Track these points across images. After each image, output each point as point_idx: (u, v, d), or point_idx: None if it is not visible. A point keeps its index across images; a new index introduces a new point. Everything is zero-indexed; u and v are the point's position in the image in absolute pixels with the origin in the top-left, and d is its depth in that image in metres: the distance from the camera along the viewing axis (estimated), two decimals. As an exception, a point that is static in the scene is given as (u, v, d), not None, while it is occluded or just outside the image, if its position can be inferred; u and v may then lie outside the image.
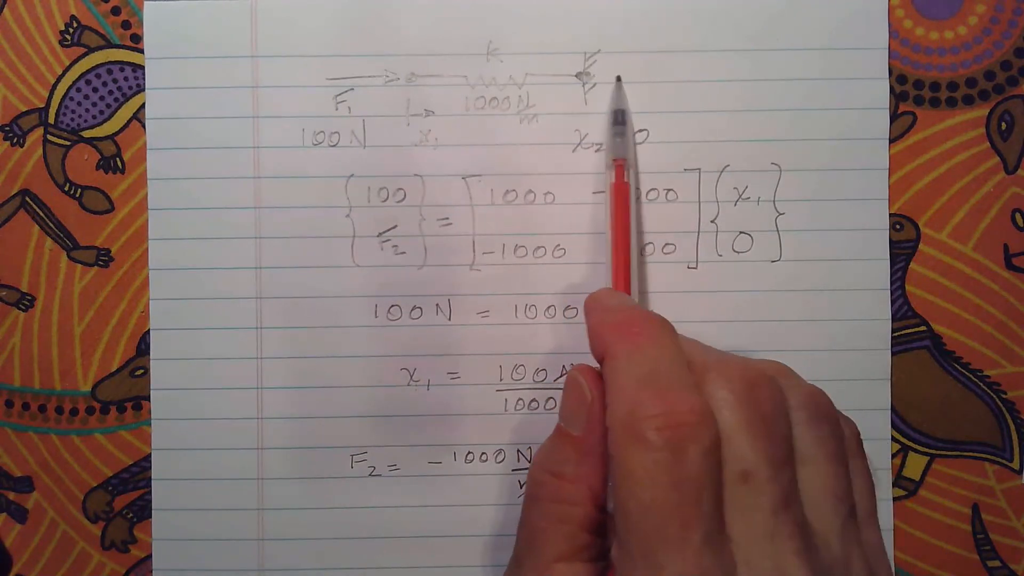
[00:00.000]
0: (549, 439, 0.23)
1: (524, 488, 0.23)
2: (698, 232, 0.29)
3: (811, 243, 0.29)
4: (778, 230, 0.29)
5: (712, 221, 0.29)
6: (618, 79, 0.29)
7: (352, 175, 0.29)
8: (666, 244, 0.29)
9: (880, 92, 0.29)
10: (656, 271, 0.29)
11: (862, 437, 0.23)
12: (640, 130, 0.29)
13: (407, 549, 0.29)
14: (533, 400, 0.29)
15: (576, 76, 0.29)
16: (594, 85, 0.29)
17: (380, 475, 0.29)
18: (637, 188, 0.29)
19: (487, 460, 0.29)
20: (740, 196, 0.29)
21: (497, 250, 0.29)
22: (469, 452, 0.29)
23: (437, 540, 0.29)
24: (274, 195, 0.29)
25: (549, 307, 0.29)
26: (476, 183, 0.29)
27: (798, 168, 0.29)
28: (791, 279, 0.29)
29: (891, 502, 0.29)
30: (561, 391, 0.23)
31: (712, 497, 0.18)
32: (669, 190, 0.29)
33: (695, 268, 0.29)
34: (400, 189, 0.29)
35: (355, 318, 0.29)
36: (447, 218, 0.29)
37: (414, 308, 0.29)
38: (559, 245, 0.29)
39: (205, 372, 0.29)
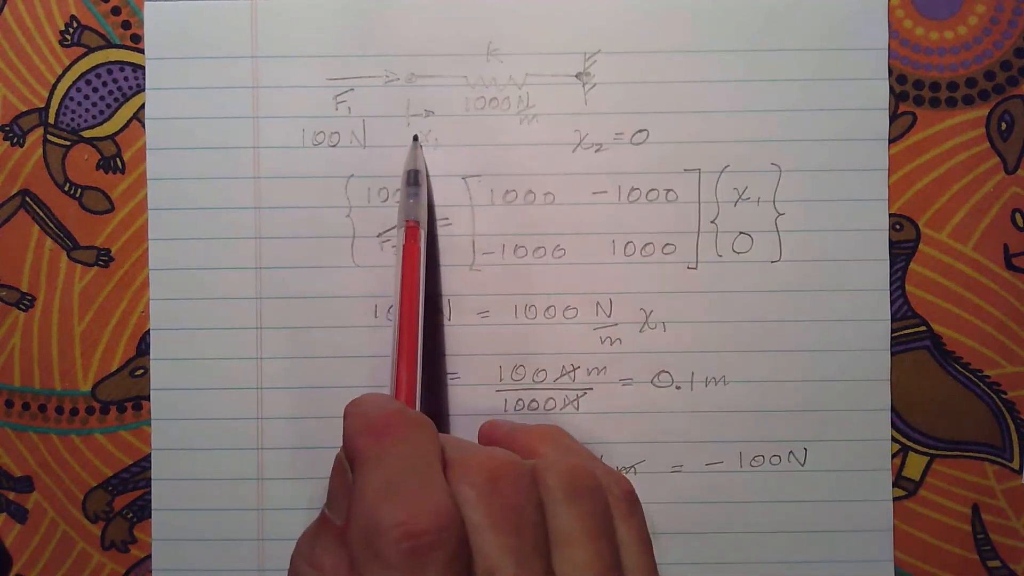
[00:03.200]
0: (314, 523, 0.21)
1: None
2: (698, 232, 0.29)
3: (811, 243, 0.29)
4: (778, 230, 0.29)
5: (712, 221, 0.29)
6: (415, 139, 0.29)
7: (352, 175, 0.29)
8: (666, 244, 0.29)
9: (880, 92, 0.29)
10: (656, 271, 0.29)
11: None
12: (640, 130, 0.29)
13: (407, 549, 0.29)
14: (533, 400, 0.29)
15: (576, 76, 0.29)
16: (594, 85, 0.29)
17: (380, 475, 0.29)
18: (634, 193, 0.29)
19: (487, 460, 0.29)
20: (740, 196, 0.29)
21: (497, 250, 0.29)
22: (469, 452, 0.29)
23: (437, 540, 0.29)
24: (274, 195, 0.29)
25: (549, 307, 0.29)
26: (476, 183, 0.29)
27: (798, 168, 0.29)
28: (791, 279, 0.29)
29: (891, 502, 0.29)
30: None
31: None
32: (669, 190, 0.29)
33: (695, 268, 0.29)
34: (400, 189, 0.29)
35: (355, 318, 0.29)
36: (447, 218, 0.29)
37: (414, 308, 0.29)
38: (559, 245, 0.29)
39: (205, 372, 0.29)
